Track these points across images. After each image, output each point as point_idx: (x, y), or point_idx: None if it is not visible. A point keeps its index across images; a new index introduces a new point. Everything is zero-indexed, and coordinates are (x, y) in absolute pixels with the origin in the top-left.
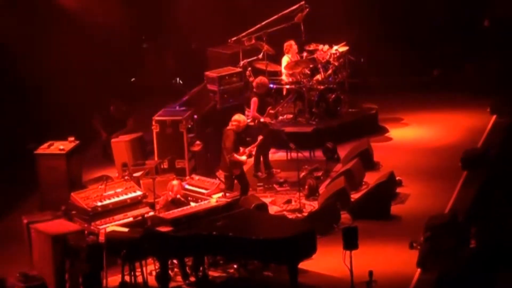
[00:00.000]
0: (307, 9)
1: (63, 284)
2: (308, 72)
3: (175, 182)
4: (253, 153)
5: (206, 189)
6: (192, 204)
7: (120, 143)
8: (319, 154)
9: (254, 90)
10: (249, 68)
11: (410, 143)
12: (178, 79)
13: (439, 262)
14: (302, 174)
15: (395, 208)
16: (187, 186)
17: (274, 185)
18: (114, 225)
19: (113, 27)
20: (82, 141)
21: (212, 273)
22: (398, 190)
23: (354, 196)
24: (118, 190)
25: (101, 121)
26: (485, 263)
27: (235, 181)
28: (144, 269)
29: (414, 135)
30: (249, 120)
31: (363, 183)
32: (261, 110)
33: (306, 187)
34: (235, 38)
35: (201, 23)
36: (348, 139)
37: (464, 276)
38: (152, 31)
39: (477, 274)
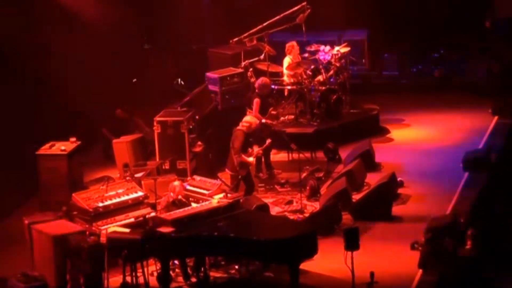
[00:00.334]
0: (309, 10)
1: (64, 284)
2: (310, 73)
3: (176, 183)
4: (261, 155)
5: (207, 190)
6: (194, 205)
7: (122, 144)
8: (320, 155)
9: (257, 91)
10: (251, 69)
11: (412, 144)
12: (179, 80)
13: (440, 263)
14: (304, 175)
15: (396, 209)
16: (188, 187)
17: (276, 186)
18: (116, 226)
19: (114, 28)
20: (84, 141)
21: (213, 274)
22: (400, 191)
23: (356, 197)
24: (120, 190)
25: (110, 129)
26: (485, 265)
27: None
28: (145, 269)
29: (416, 136)
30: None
31: (365, 184)
32: (263, 111)
33: (308, 188)
34: (236, 38)
35: (202, 23)
36: (350, 140)
37: (465, 278)
38: (153, 32)
39: (477, 276)
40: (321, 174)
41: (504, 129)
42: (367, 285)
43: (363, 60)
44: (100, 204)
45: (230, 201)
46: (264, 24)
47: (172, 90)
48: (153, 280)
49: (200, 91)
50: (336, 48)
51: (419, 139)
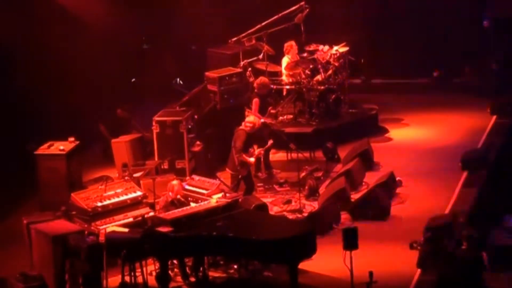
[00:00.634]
0: (307, 10)
1: (63, 284)
2: (309, 73)
3: (175, 182)
4: (261, 156)
5: (206, 189)
6: (192, 204)
7: (120, 144)
8: (319, 154)
9: (256, 90)
10: (249, 69)
11: (410, 144)
12: (178, 79)
13: (439, 263)
14: (302, 174)
15: (395, 209)
16: (187, 187)
17: (274, 186)
18: (114, 226)
19: (113, 28)
20: (82, 141)
21: (212, 274)
22: (398, 190)
23: (354, 196)
24: (118, 190)
25: (107, 127)
26: (483, 265)
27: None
28: (144, 269)
29: (414, 136)
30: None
31: (363, 183)
32: (262, 110)
33: (306, 187)
34: (235, 38)
35: (201, 23)
36: (348, 139)
37: (463, 278)
38: (153, 31)
39: (476, 276)
40: (320, 174)
41: (503, 128)
42: (366, 284)
43: (362, 60)
44: (99, 204)
45: (229, 200)
46: (263, 23)
47: (171, 89)
48: (152, 280)
49: (199, 90)
50: (335, 47)
51: (418, 139)
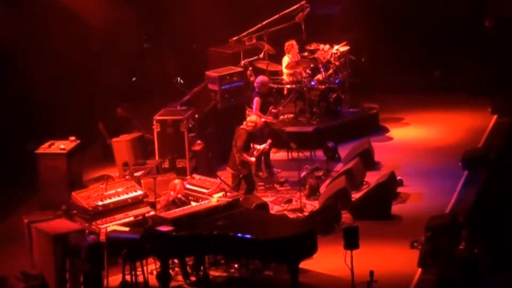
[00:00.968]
0: (308, 9)
1: (64, 283)
2: (310, 73)
3: (177, 181)
4: (266, 151)
5: (207, 188)
6: (193, 203)
7: (121, 143)
8: (319, 153)
9: (256, 90)
10: (250, 68)
11: (411, 143)
12: (179, 78)
13: (440, 262)
14: (303, 173)
15: (395, 208)
16: (188, 186)
17: (275, 185)
18: (115, 225)
19: (114, 27)
20: (83, 140)
21: (213, 273)
22: (399, 190)
23: (355, 195)
24: (119, 189)
25: (106, 126)
26: (483, 265)
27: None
28: (144, 268)
29: (415, 135)
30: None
31: (364, 182)
32: (263, 109)
33: (307, 186)
34: (236, 37)
35: (202, 22)
36: (349, 138)
37: (463, 277)
38: (153, 30)
39: (476, 276)
40: (320, 173)
41: (503, 128)
42: (367, 283)
43: (363, 59)
44: (100, 203)
45: (230, 200)
46: (264, 23)
47: (171, 88)
48: (152, 279)
49: (200, 89)
50: (336, 46)
51: (419, 138)
